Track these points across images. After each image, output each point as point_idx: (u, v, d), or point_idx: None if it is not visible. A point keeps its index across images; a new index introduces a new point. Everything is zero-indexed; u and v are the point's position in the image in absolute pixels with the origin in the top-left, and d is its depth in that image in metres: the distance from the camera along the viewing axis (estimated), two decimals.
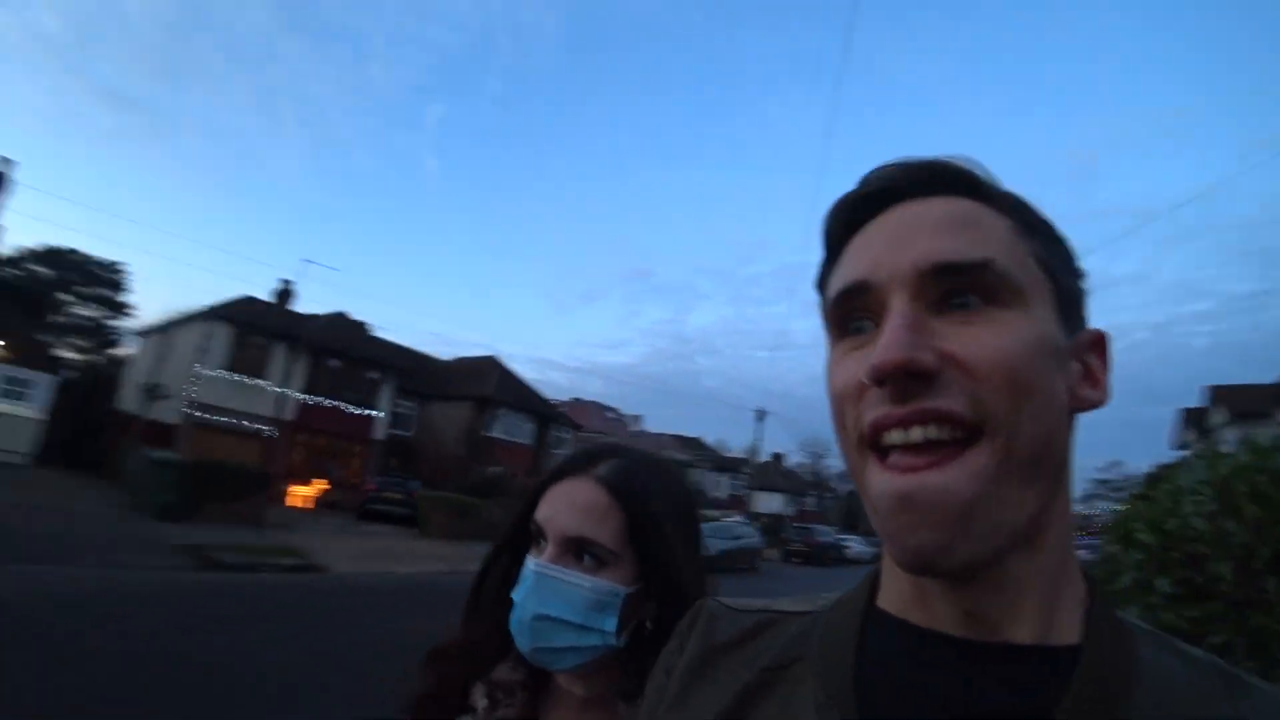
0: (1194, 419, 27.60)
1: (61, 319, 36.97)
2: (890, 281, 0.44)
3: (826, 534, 32.74)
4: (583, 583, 0.78)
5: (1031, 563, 0.43)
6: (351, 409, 24.72)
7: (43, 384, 19.67)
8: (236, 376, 22.21)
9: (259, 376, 22.84)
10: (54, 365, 21.32)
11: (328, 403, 24.12)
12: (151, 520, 12.68)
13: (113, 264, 42.97)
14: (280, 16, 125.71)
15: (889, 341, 0.41)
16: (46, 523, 10.82)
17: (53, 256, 39.89)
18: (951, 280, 0.43)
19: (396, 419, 27.40)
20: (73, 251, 40.17)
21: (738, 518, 27.46)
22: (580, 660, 0.79)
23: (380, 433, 25.72)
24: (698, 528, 0.88)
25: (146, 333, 29.54)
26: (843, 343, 0.48)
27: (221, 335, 22.07)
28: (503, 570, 0.88)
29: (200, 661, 5.44)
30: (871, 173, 0.49)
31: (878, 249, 0.46)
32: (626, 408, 60.88)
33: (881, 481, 0.42)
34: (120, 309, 43.53)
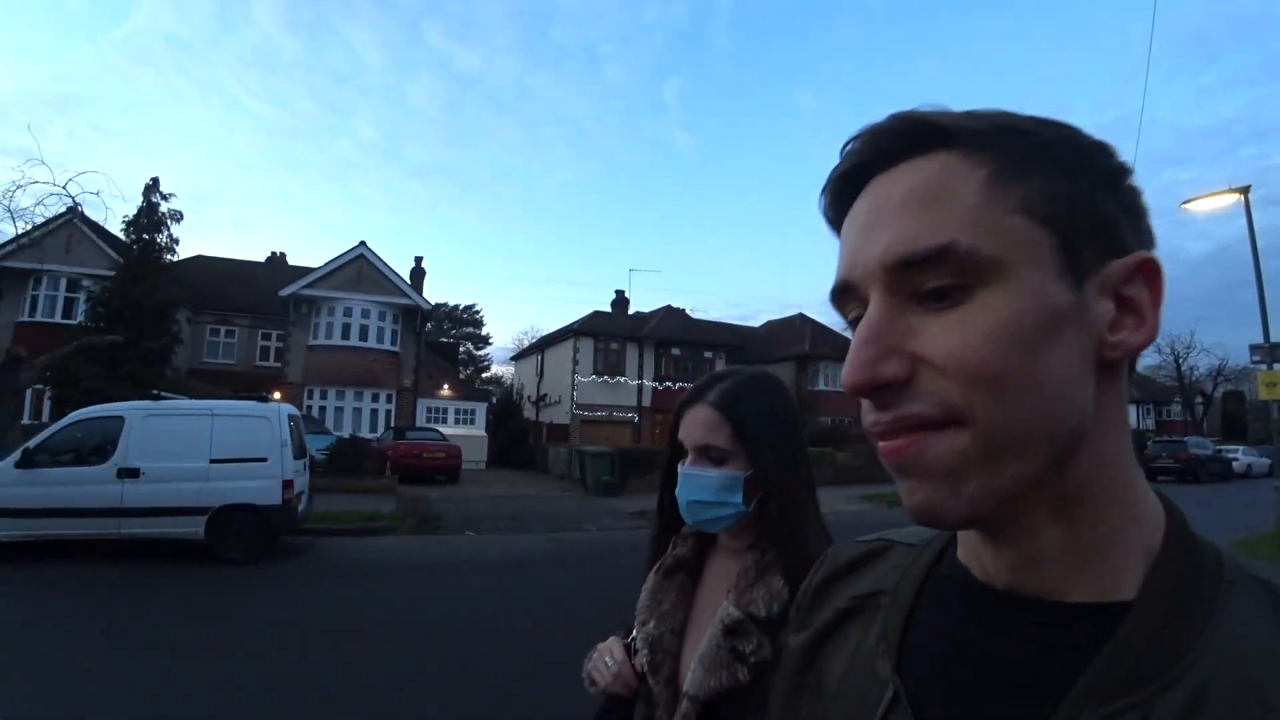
0: None
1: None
2: (866, 281, 0.44)
3: (1203, 446, 27.60)
4: (712, 474, 1.05)
5: (1064, 525, 0.43)
6: None
7: (480, 409, 25.87)
8: (603, 378, 26.79)
9: (619, 374, 27.24)
10: (483, 394, 27.58)
11: (675, 386, 27.73)
12: (598, 497, 16.44)
13: (470, 307, 53.02)
14: (520, 59, 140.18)
15: (850, 361, 0.42)
16: (536, 506, 14.77)
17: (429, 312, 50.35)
18: (918, 272, 0.41)
19: None
20: (440, 304, 50.49)
21: None
22: (726, 524, 1.07)
23: None
24: (790, 427, 1.11)
25: (519, 356, 36.32)
26: (851, 335, 0.47)
27: (586, 347, 26.79)
28: (670, 473, 1.16)
29: None
30: (845, 145, 0.47)
31: (851, 244, 0.45)
32: None
33: (879, 451, 0.43)
34: (484, 340, 53.40)
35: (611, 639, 1.17)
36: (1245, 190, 11.11)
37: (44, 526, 7.77)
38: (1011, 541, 0.44)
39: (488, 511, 13.32)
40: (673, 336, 28.43)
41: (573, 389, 26.42)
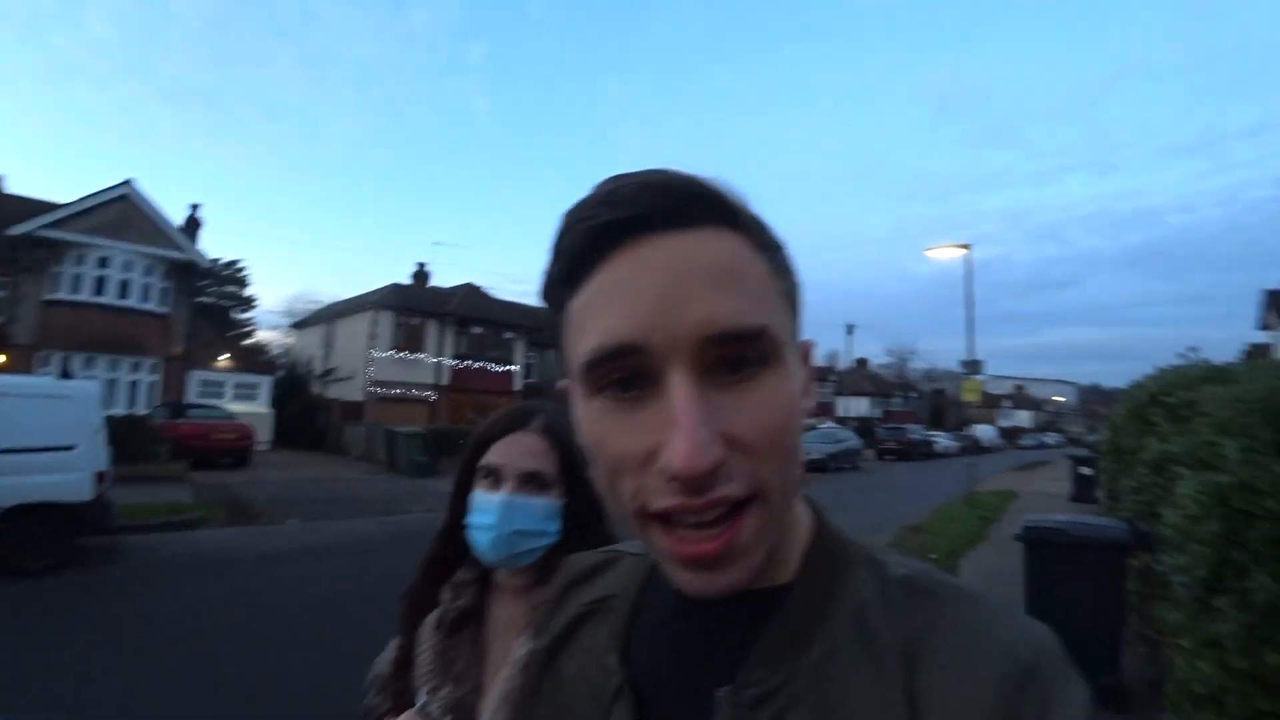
0: (1275, 301, 27.09)
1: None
2: (670, 349, 0.41)
3: (917, 431, 35.48)
4: (537, 502, 1.04)
5: None
6: (495, 367, 28.04)
7: (264, 384, 23.43)
8: (401, 354, 25.82)
9: (419, 351, 26.39)
10: (268, 366, 25.05)
11: (475, 365, 27.49)
12: (410, 478, 16.08)
13: (233, 263, 47.20)
14: None
15: (691, 447, 0.39)
16: (350, 488, 14.14)
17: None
18: (729, 348, 0.42)
19: (528, 370, 30.71)
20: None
21: (829, 424, 30.61)
22: (535, 557, 1.05)
23: (519, 384, 29.03)
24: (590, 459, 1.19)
25: (300, 324, 33.42)
26: (599, 398, 0.44)
27: (386, 321, 25.63)
28: (460, 505, 1.10)
29: None
30: (618, 188, 0.44)
31: (648, 303, 0.41)
32: None
33: (673, 548, 0.43)
34: (247, 303, 47.99)
35: (407, 713, 1.09)
36: (968, 246, 15.21)
37: None
38: None
39: (301, 496, 12.59)
40: (475, 315, 28.11)
41: (369, 364, 25.11)
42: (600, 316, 0.43)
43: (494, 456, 1.07)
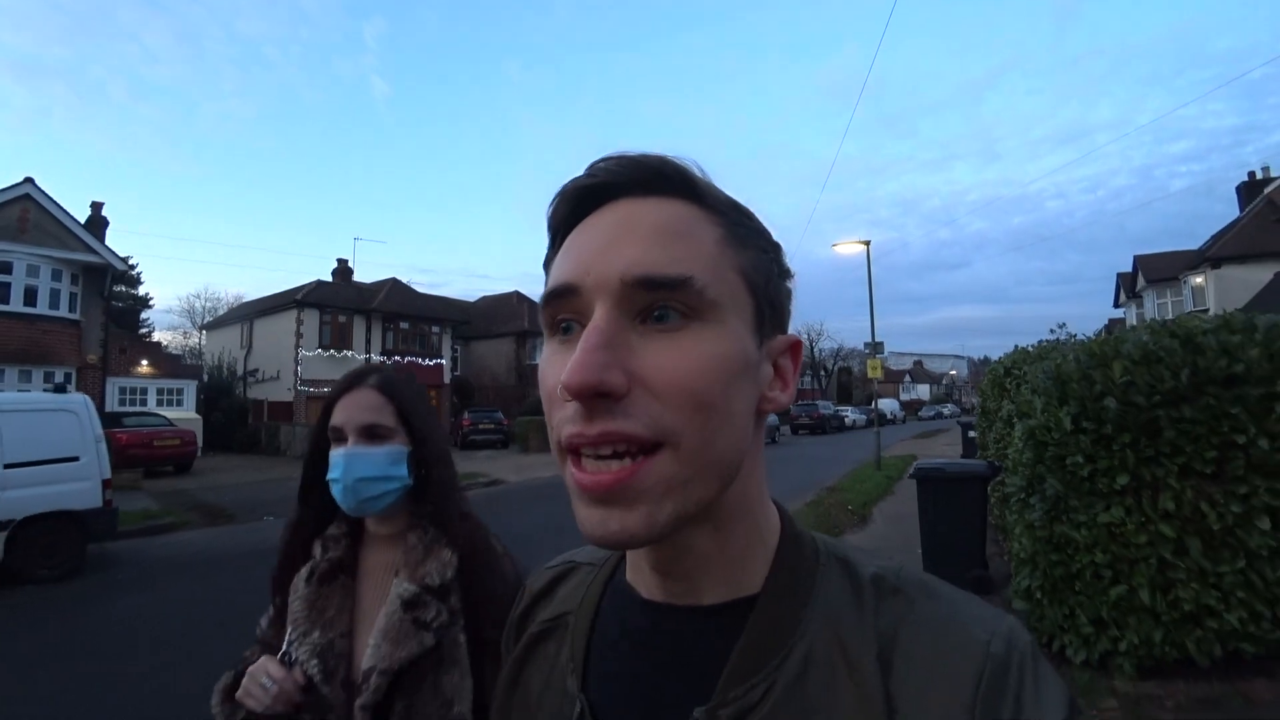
0: (1125, 282, 31.96)
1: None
2: (596, 288, 0.45)
3: (827, 407, 38.65)
4: (379, 450, 1.11)
5: (714, 540, 0.49)
6: (423, 361, 28.44)
7: (189, 388, 23.01)
8: (329, 352, 25.93)
9: (347, 348, 26.53)
10: (192, 371, 24.51)
11: (404, 360, 27.80)
12: None
13: (124, 260, 44.64)
14: None
15: (580, 361, 0.42)
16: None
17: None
18: (653, 293, 0.44)
19: (455, 363, 31.21)
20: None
21: None
22: (390, 500, 1.13)
23: (448, 377, 29.53)
24: (434, 412, 1.22)
25: (213, 325, 32.53)
26: (553, 340, 0.49)
27: (311, 319, 25.66)
28: (317, 464, 1.17)
29: None
30: (596, 163, 0.50)
31: (590, 251, 0.46)
32: None
33: (577, 477, 0.44)
34: (143, 302, 45.67)
35: (263, 659, 1.10)
36: (868, 243, 17.09)
37: None
38: (670, 553, 0.50)
39: (265, 496, 13.07)
40: (400, 310, 28.37)
41: (296, 363, 25.09)
42: (558, 266, 0.49)
43: (337, 417, 1.16)
